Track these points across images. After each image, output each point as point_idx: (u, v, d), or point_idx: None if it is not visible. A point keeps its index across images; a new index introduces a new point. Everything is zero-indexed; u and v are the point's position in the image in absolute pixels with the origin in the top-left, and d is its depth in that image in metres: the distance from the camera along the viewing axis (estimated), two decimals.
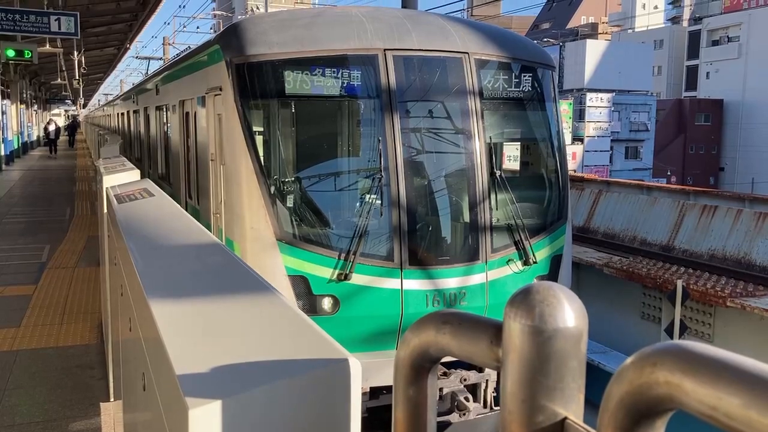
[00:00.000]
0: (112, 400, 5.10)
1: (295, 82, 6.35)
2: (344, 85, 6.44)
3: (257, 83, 6.56)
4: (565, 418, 0.81)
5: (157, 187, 4.14)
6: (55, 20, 15.05)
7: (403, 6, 8.55)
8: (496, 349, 0.87)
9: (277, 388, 1.06)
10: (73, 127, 54.47)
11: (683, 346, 0.64)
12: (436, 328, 0.96)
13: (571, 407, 0.81)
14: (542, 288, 0.82)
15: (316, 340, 1.23)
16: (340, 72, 6.43)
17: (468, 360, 0.94)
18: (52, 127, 37.29)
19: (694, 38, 61.72)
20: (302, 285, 6.14)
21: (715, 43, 58.35)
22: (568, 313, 0.80)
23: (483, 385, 6.58)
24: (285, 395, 1.06)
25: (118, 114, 28.77)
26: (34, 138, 45.14)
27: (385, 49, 6.50)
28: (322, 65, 6.38)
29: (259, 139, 6.51)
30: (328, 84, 6.41)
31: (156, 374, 1.48)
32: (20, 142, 35.49)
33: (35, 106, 47.68)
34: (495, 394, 6.70)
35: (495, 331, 0.88)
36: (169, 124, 12.08)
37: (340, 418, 1.10)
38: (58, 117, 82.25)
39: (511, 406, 0.83)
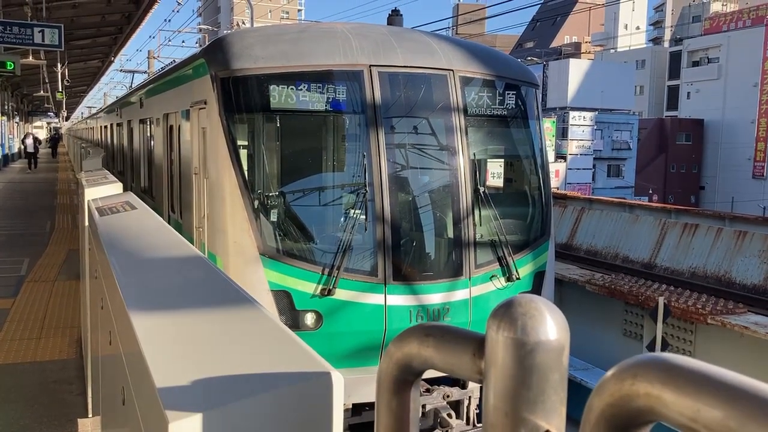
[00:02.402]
0: (90, 415, 5.02)
1: (280, 96, 6.35)
2: (329, 100, 6.46)
3: (242, 97, 6.56)
4: (547, 431, 0.81)
5: (139, 200, 4.11)
6: (39, 32, 14.95)
7: (389, 23, 8.61)
8: (479, 362, 0.87)
9: (259, 401, 1.05)
10: (55, 139, 54.40)
11: (663, 358, 0.64)
12: (419, 340, 0.96)
13: (553, 420, 0.81)
14: (524, 301, 0.82)
15: (298, 354, 1.22)
16: (326, 87, 6.45)
17: (451, 373, 0.94)
18: (29, 141, 34.87)
19: (675, 59, 62.71)
20: (285, 300, 6.11)
21: (696, 63, 59.32)
22: (550, 326, 0.80)
23: (466, 402, 6.57)
24: (267, 408, 1.05)
25: (101, 127, 28.61)
26: (16, 150, 44.64)
27: (370, 65, 6.53)
28: (308, 80, 6.40)
29: (243, 153, 6.50)
30: (313, 99, 6.43)
31: (136, 388, 1.46)
32: (1, 154, 35.08)
33: (17, 118, 47.28)
34: (478, 411, 6.68)
35: (478, 343, 0.88)
36: (152, 138, 12.03)
37: (322, 430, 1.09)
38: (41, 129, 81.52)
39: (493, 419, 0.83)
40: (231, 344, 1.35)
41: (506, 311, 0.82)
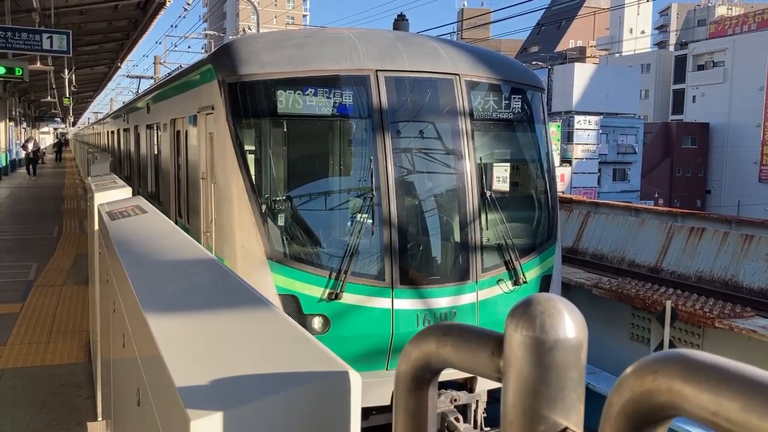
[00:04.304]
0: (99, 419, 5.03)
1: (287, 101, 6.38)
2: (336, 105, 6.48)
3: (249, 102, 6.59)
4: (566, 428, 0.82)
5: (149, 204, 4.13)
6: (47, 38, 15.05)
7: (395, 28, 8.64)
8: (497, 360, 0.88)
9: (279, 399, 1.06)
10: (60, 144, 55.17)
11: (684, 354, 0.65)
12: (437, 339, 0.97)
13: (571, 417, 0.82)
14: (543, 299, 0.83)
15: (315, 353, 1.24)
16: (332, 92, 6.47)
17: (469, 371, 0.95)
18: (31, 146, 32.93)
19: (681, 63, 62.61)
20: (293, 304, 6.12)
21: (701, 67, 59.23)
22: (569, 324, 0.82)
23: (473, 406, 6.56)
24: (286, 407, 1.07)
25: (108, 132, 28.74)
26: (23, 155, 44.84)
27: (376, 70, 6.56)
28: (315, 85, 6.43)
29: (250, 158, 6.52)
30: (320, 104, 6.45)
31: (153, 389, 1.48)
32: (8, 159, 35.23)
33: (24, 124, 47.55)
34: (485, 415, 6.68)
35: (496, 342, 0.89)
36: (159, 143, 12.08)
37: (340, 429, 1.10)
38: (47, 135, 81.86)
39: (512, 417, 0.84)
40: (248, 344, 1.36)
41: (525, 310, 0.83)
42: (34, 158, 33.21)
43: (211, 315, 1.58)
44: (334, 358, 1.19)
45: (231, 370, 1.18)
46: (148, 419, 1.54)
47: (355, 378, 1.12)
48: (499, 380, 0.89)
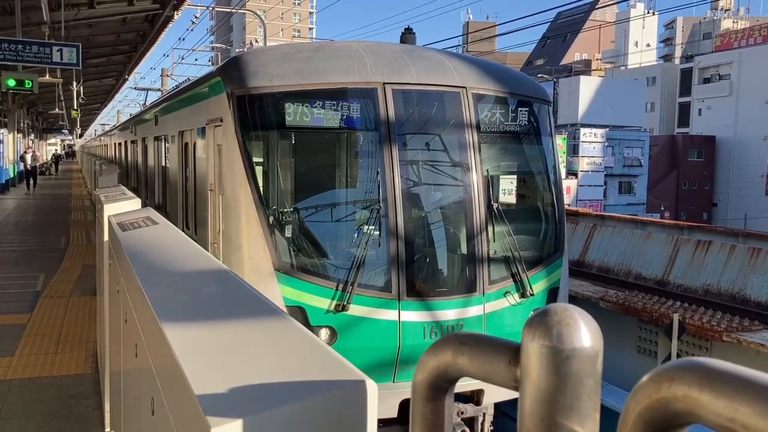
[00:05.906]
0: (107, 429, 5.04)
1: (295, 114, 6.42)
2: (344, 117, 6.52)
3: (258, 115, 6.63)
4: None
5: (160, 215, 4.17)
6: (57, 51, 15.23)
7: (402, 41, 8.70)
8: (514, 369, 0.90)
9: (297, 408, 1.08)
10: (57, 156, 55.97)
11: (700, 361, 0.67)
12: (453, 349, 0.99)
13: (587, 425, 0.84)
14: (559, 309, 0.85)
15: (332, 363, 1.25)
16: (340, 105, 6.51)
17: (486, 380, 0.96)
18: (29, 159, 31.31)
19: (686, 76, 62.65)
20: (299, 316, 6.13)
21: (707, 80, 59.23)
22: (585, 333, 0.83)
23: (480, 419, 6.55)
24: (305, 415, 1.08)
25: (115, 144, 28.90)
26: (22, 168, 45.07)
27: (384, 83, 6.60)
28: (323, 98, 6.47)
29: (258, 170, 6.56)
30: (327, 116, 6.49)
31: (169, 397, 1.50)
32: (16, 170, 35.45)
33: (32, 135, 47.90)
34: (492, 428, 6.65)
35: (513, 351, 0.90)
36: (167, 154, 12.16)
37: None
38: (54, 147, 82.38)
39: (528, 425, 0.86)
40: (265, 353, 1.38)
41: (541, 320, 0.85)
42: (33, 172, 31.25)
43: (226, 324, 1.60)
44: (350, 368, 1.21)
45: (249, 379, 1.20)
46: (164, 428, 1.55)
47: (372, 387, 1.14)
48: (515, 389, 0.90)
